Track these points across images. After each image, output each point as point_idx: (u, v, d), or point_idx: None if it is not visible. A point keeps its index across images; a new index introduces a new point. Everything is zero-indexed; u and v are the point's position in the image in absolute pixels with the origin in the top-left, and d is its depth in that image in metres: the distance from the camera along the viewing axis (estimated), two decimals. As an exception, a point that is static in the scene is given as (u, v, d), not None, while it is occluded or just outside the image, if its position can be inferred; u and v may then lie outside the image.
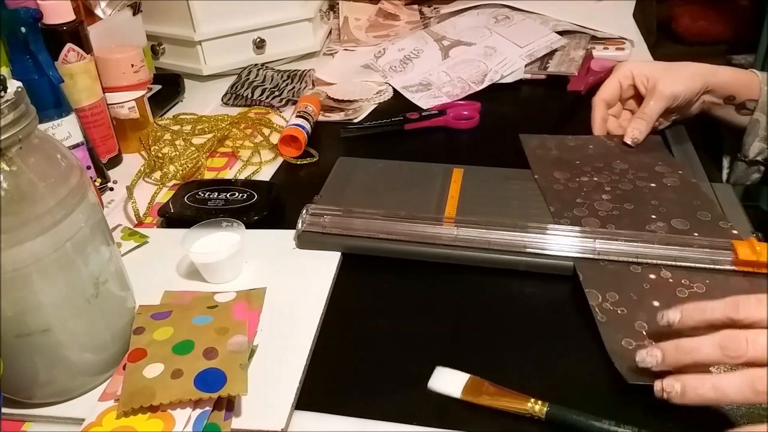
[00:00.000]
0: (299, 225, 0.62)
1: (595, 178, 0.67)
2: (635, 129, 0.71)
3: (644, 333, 0.48)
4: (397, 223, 0.60)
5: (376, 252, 0.60)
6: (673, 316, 0.43)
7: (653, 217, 0.60)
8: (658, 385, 0.42)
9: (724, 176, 0.76)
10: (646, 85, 0.72)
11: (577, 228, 0.59)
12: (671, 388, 0.41)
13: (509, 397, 0.45)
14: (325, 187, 0.70)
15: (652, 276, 0.53)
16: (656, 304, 0.50)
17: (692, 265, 0.54)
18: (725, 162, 0.76)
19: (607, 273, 0.54)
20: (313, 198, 0.67)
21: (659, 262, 0.55)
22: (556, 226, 0.59)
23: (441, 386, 0.46)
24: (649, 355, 0.42)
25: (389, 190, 0.69)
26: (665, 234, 0.58)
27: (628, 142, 0.71)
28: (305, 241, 0.61)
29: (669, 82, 0.70)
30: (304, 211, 0.62)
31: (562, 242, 0.57)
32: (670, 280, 0.53)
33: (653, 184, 0.65)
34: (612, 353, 0.47)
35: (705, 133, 0.76)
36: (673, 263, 0.54)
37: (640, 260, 0.55)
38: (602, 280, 0.53)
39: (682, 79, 0.70)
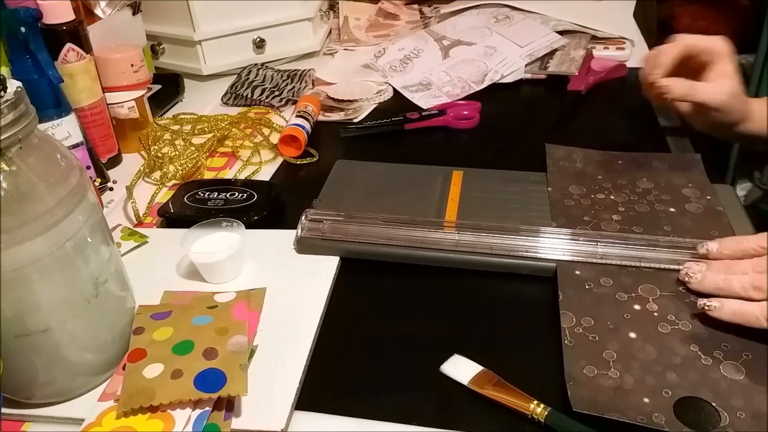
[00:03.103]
0: (298, 231, 0.61)
1: (612, 196, 0.64)
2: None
3: (611, 363, 0.46)
4: (397, 228, 0.60)
5: (376, 257, 0.59)
6: (712, 246, 0.51)
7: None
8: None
9: (741, 200, 0.74)
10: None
11: (578, 231, 0.58)
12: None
13: (513, 395, 0.45)
14: (323, 191, 0.69)
15: (637, 307, 0.51)
16: (632, 335, 0.48)
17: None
18: (740, 186, 0.74)
19: (590, 297, 0.52)
20: (312, 202, 0.66)
21: (663, 266, 0.54)
22: (558, 229, 0.59)
23: (452, 371, 0.47)
24: (695, 269, 0.50)
25: (389, 194, 0.68)
26: (670, 238, 0.57)
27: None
28: (305, 246, 0.61)
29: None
30: (303, 217, 0.62)
31: (563, 246, 0.57)
32: (655, 314, 0.50)
33: (672, 209, 0.61)
34: (569, 377, 0.45)
35: (710, 142, 0.75)
36: (677, 267, 0.54)
37: (642, 264, 0.54)
38: (582, 304, 0.51)
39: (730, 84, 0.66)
